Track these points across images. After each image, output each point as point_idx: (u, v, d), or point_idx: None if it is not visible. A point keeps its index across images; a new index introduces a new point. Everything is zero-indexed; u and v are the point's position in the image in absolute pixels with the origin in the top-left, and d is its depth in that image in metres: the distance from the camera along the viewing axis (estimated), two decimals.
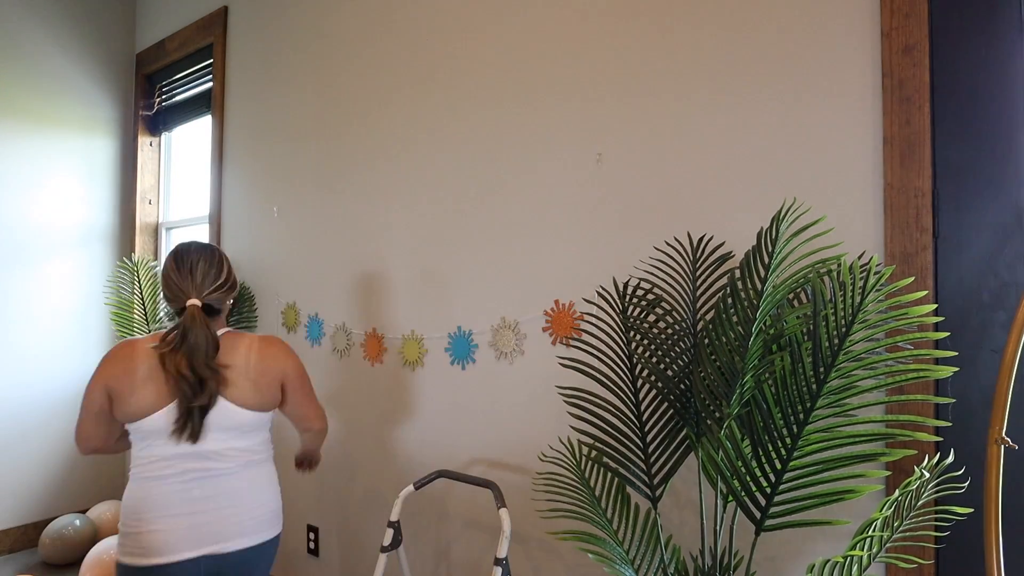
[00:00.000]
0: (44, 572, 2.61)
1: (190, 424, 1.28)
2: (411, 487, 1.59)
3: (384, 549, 1.56)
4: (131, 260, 2.61)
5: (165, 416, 1.27)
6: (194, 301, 1.31)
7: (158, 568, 1.26)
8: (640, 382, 1.29)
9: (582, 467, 1.30)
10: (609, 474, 1.32)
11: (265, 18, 2.53)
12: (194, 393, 1.26)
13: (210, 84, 2.85)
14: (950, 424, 1.04)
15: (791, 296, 1.12)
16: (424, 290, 1.90)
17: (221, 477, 1.32)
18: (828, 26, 1.21)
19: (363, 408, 2.07)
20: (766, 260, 1.04)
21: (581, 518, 1.17)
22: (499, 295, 1.72)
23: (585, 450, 1.43)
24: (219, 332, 1.37)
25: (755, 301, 1.04)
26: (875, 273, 0.93)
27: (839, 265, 0.98)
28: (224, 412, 1.31)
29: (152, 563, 1.26)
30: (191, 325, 1.28)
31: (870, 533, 0.86)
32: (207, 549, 1.29)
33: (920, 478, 0.90)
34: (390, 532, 1.57)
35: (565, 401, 1.51)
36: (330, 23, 2.25)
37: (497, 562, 1.35)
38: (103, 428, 1.33)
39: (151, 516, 1.28)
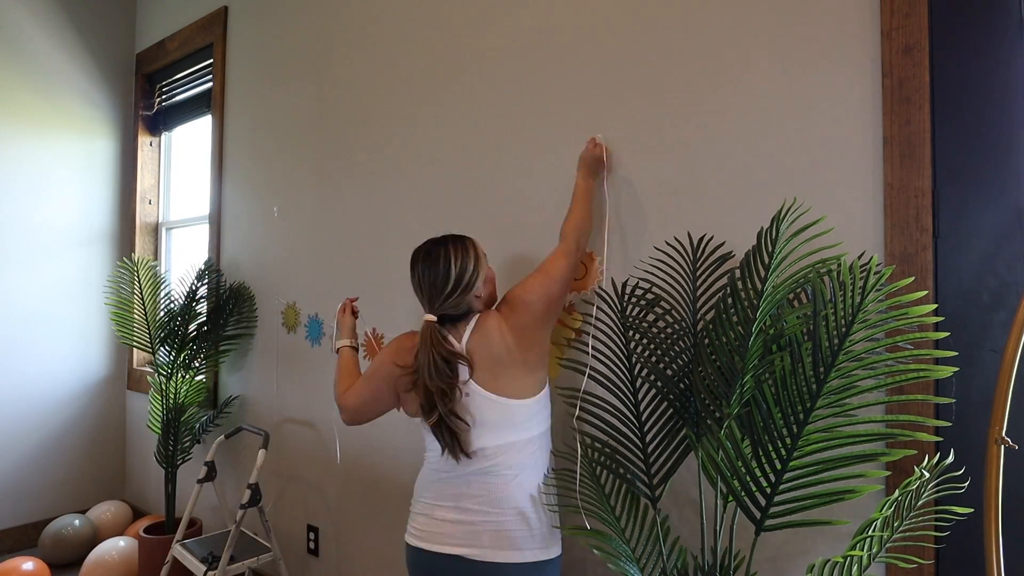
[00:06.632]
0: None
1: (445, 437, 1.24)
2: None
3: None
4: (131, 260, 2.61)
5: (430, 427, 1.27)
6: (428, 317, 1.28)
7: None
8: (639, 382, 1.29)
9: (592, 466, 1.30)
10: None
11: (265, 18, 2.53)
12: (431, 408, 1.24)
13: (210, 84, 2.85)
14: (950, 424, 1.04)
15: (791, 296, 1.12)
16: None
17: (487, 476, 1.26)
18: (828, 26, 1.21)
19: None
20: (766, 260, 1.04)
21: (590, 515, 1.17)
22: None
23: (588, 450, 1.43)
24: (470, 325, 1.30)
25: (755, 301, 1.04)
26: (875, 273, 0.93)
27: (839, 265, 0.98)
28: (480, 404, 1.25)
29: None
30: (421, 346, 1.25)
31: (870, 533, 0.86)
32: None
33: (920, 478, 0.90)
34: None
35: (564, 401, 1.51)
36: (330, 23, 2.25)
37: None
38: (381, 402, 1.36)
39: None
